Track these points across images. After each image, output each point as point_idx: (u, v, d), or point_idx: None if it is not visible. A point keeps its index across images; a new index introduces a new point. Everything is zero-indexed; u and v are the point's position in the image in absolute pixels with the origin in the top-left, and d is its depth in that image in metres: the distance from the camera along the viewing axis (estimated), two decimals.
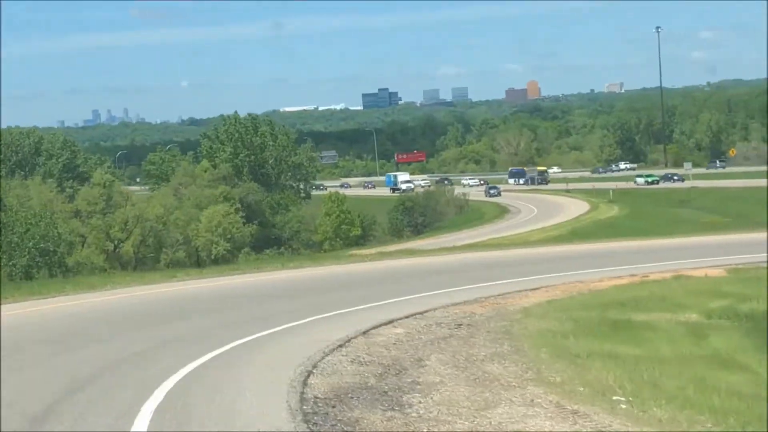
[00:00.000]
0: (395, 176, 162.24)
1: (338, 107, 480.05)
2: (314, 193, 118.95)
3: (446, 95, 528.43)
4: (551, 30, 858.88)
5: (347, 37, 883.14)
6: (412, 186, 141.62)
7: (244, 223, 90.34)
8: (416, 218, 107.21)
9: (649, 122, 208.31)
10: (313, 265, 34.70)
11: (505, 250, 40.29)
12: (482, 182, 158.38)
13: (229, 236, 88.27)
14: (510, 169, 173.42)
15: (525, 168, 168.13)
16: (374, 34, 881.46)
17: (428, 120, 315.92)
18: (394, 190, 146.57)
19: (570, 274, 27.96)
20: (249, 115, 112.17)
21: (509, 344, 14.94)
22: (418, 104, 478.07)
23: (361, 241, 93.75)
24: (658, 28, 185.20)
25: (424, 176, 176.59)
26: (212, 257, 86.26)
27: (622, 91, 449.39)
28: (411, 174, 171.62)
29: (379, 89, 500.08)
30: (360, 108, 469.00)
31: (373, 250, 49.25)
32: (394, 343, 15.89)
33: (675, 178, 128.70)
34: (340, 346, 15.61)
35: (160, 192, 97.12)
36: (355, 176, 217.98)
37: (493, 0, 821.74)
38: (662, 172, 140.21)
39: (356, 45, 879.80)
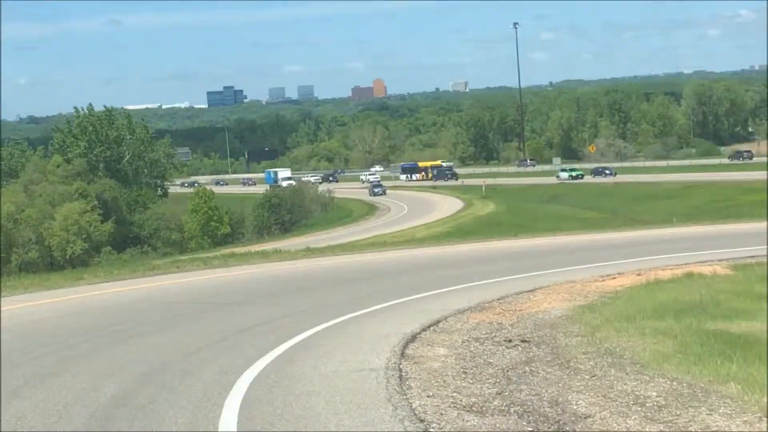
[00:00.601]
0: (275, 173, 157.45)
1: (183, 105, 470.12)
2: (184, 190, 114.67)
3: (292, 93, 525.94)
4: (391, 29, 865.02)
5: (190, 35, 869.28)
6: (294, 183, 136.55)
7: (101, 222, 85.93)
8: (283, 216, 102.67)
9: (502, 120, 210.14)
10: (240, 264, 29.83)
11: (434, 248, 36.43)
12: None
13: (85, 235, 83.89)
14: (401, 164, 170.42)
15: (418, 163, 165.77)
16: (218, 32, 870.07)
17: (277, 118, 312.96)
18: (274, 187, 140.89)
19: (543, 273, 24.39)
20: (105, 107, 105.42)
21: (655, 374, 10.76)
22: (264, 102, 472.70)
23: (229, 239, 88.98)
24: (515, 24, 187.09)
25: (313, 172, 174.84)
26: (67, 257, 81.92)
27: (467, 90, 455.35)
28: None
29: (224, 87, 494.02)
30: (205, 106, 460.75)
31: (282, 242, 44.53)
32: (464, 372, 11.69)
33: (606, 172, 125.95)
34: (399, 378, 11.32)
35: (9, 189, 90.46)
36: (203, 174, 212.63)
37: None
38: (592, 165, 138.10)
39: (200, 43, 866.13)
